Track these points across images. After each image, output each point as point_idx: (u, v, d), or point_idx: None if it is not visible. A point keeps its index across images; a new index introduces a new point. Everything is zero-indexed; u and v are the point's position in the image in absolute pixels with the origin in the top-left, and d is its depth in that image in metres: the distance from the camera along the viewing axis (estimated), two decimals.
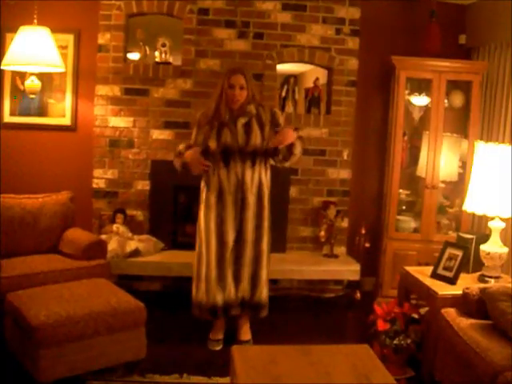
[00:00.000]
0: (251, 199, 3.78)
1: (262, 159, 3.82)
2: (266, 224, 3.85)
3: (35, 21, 4.39)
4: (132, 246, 4.69)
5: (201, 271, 3.86)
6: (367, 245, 5.02)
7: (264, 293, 3.90)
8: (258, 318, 3.99)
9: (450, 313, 3.32)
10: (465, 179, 4.69)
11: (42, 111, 5.01)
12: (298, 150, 3.79)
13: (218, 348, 3.93)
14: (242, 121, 3.75)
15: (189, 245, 4.72)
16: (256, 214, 3.81)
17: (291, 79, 5.32)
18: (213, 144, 3.73)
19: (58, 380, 3.13)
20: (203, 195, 3.88)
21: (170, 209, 5.04)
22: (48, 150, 5.06)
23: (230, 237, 3.79)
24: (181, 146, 3.89)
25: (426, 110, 5.08)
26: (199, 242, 3.89)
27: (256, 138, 3.74)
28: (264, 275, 3.88)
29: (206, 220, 3.83)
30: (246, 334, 4.01)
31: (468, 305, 3.29)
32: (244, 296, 3.86)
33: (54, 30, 4.50)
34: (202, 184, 3.90)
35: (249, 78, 3.78)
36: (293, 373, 2.59)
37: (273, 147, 3.73)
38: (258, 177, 3.80)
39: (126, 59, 4.97)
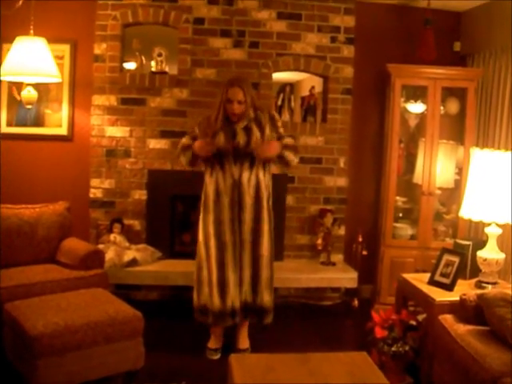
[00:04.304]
0: (248, 200, 3.78)
1: (261, 161, 3.82)
2: (265, 227, 3.84)
3: (31, 31, 4.40)
4: (129, 255, 4.68)
5: (202, 275, 3.86)
6: (364, 252, 5.03)
7: (266, 297, 3.87)
8: (262, 325, 3.94)
9: (447, 319, 3.32)
10: (461, 186, 4.71)
11: (38, 121, 5.02)
12: (290, 157, 3.86)
13: (216, 357, 3.92)
14: (241, 125, 3.77)
15: (186, 254, 4.73)
16: (254, 216, 3.81)
17: (287, 88, 5.35)
18: None
19: None
20: (202, 197, 3.90)
21: (167, 218, 5.04)
22: (45, 161, 5.07)
23: (228, 238, 3.78)
24: (185, 140, 3.92)
25: (422, 117, 5.10)
26: (199, 244, 3.90)
27: (256, 140, 3.75)
28: (265, 277, 3.85)
29: (204, 222, 3.86)
30: (244, 342, 3.99)
31: (465, 311, 3.29)
32: (246, 299, 3.84)
33: (50, 40, 4.51)
34: (203, 187, 3.91)
35: (247, 90, 3.73)
36: (291, 381, 2.58)
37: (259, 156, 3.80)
38: (255, 178, 3.80)
39: (122, 69, 4.99)
